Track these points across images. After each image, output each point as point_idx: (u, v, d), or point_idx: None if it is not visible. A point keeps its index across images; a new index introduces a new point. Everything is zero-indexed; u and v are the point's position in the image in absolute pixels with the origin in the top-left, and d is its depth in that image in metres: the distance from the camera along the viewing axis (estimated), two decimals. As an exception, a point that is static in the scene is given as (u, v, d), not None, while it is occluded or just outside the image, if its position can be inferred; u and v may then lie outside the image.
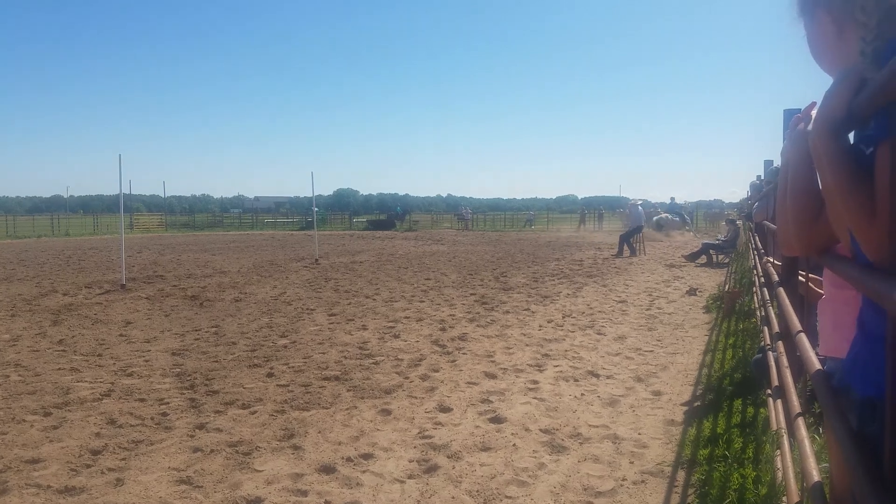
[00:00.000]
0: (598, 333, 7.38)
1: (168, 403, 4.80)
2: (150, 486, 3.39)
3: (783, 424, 2.78)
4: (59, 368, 5.81)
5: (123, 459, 3.74)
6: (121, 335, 7.33)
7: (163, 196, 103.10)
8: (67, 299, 10.18)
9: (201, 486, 3.40)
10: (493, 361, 6.03)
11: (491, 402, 4.81)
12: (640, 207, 19.91)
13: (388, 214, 48.95)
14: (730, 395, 4.60)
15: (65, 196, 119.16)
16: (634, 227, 19.06)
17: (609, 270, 14.41)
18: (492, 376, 5.52)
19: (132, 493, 3.31)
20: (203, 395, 5.00)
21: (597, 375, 5.57)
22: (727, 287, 10.08)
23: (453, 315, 8.53)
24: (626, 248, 18.57)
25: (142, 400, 4.88)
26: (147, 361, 6.10)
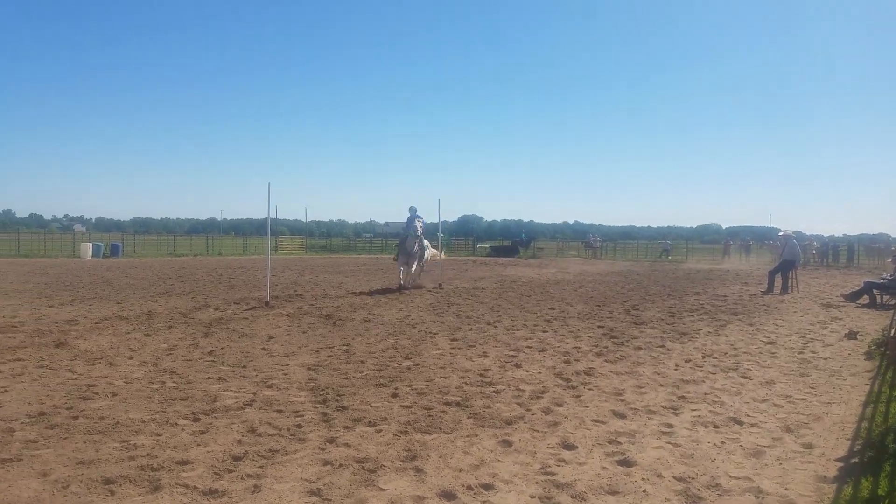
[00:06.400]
0: (743, 377, 6.81)
1: (303, 416, 5.05)
2: (284, 494, 3.57)
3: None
4: (209, 377, 6.33)
5: (261, 467, 3.97)
6: (263, 349, 7.87)
7: (304, 221, 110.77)
8: (218, 314, 11.12)
9: (330, 500, 3.52)
10: (622, 400, 5.76)
11: (619, 443, 4.58)
12: (794, 239, 18.24)
13: (513, 241, 48.85)
14: (893, 454, 4.03)
15: (219, 219, 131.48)
16: (787, 261, 17.48)
17: (757, 308, 13.33)
18: (621, 416, 5.26)
19: (267, 500, 3.50)
20: (334, 410, 5.21)
21: (740, 423, 5.13)
22: (893, 332, 8.94)
23: (579, 348, 8.28)
24: (776, 283, 17.10)
25: (279, 411, 5.18)
26: (286, 375, 6.48)
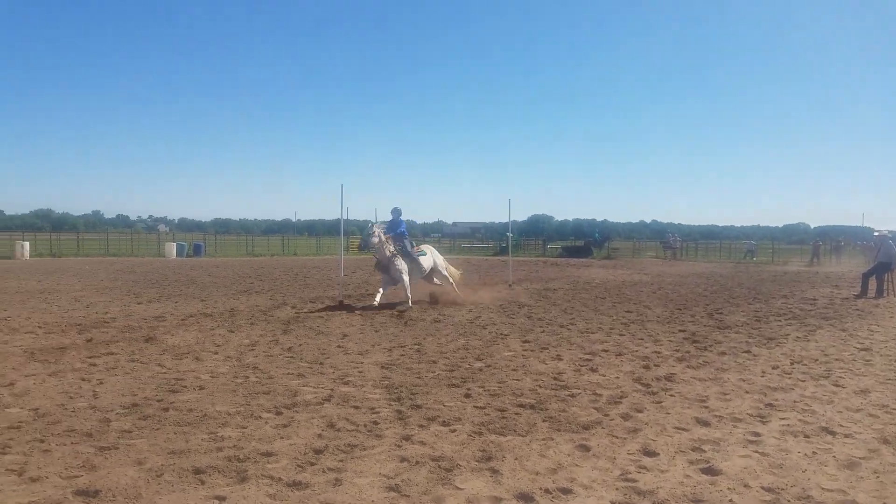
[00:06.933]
0: (835, 385, 6.41)
1: (378, 413, 5.13)
2: (364, 489, 3.63)
3: None
4: (289, 373, 6.53)
5: (341, 461, 4.06)
6: (339, 346, 8.06)
7: (374, 221, 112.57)
8: (295, 312, 11.49)
9: (408, 496, 3.55)
10: (705, 407, 5.53)
11: (703, 450, 4.40)
12: (890, 240, 17.03)
13: (585, 241, 47.83)
14: None
15: (293, 219, 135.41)
16: (882, 263, 16.33)
17: (849, 312, 12.53)
18: (704, 423, 5.06)
19: (348, 493, 3.57)
20: (408, 409, 5.26)
21: (832, 433, 4.83)
22: None
23: (658, 352, 8.02)
24: (871, 286, 16.03)
25: (356, 407, 5.28)
26: (360, 372, 6.60)
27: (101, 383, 5.98)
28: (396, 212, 13.49)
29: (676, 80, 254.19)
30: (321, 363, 7.03)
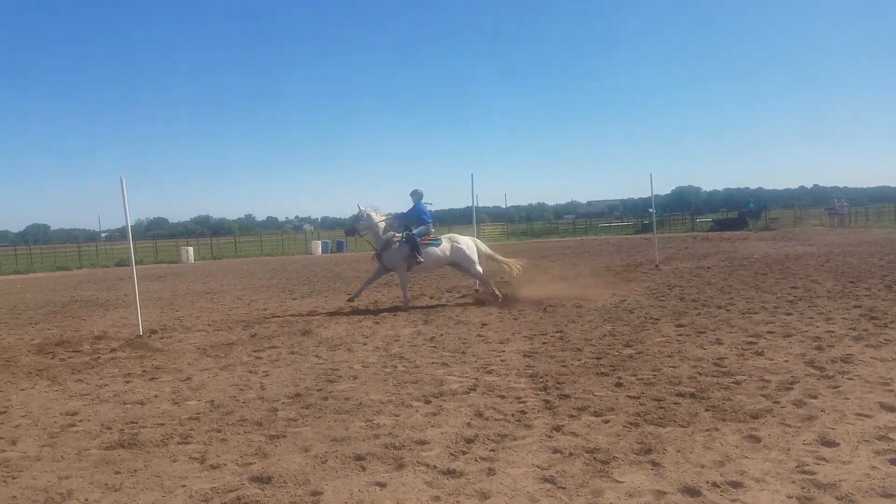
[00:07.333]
0: None
1: (525, 402, 5.07)
2: (518, 479, 3.58)
3: None
4: (433, 362, 6.66)
5: (492, 450, 4.05)
6: (479, 335, 8.10)
7: (503, 207, 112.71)
8: (434, 301, 11.76)
9: (564, 488, 3.45)
10: (890, 390, 4.88)
11: (891, 439, 3.89)
12: None
13: (739, 212, 44.20)
14: None
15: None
16: None
17: None
18: (890, 408, 4.46)
19: (503, 483, 3.54)
20: (556, 398, 5.14)
21: None
22: None
23: (832, 332, 7.22)
24: None
25: (502, 397, 5.26)
26: (503, 361, 6.58)
27: (267, 375, 6.47)
28: (417, 195, 11.41)
29: (843, 23, 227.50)
30: (463, 352, 7.10)
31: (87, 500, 3.60)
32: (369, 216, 11.26)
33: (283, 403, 5.37)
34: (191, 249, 38.23)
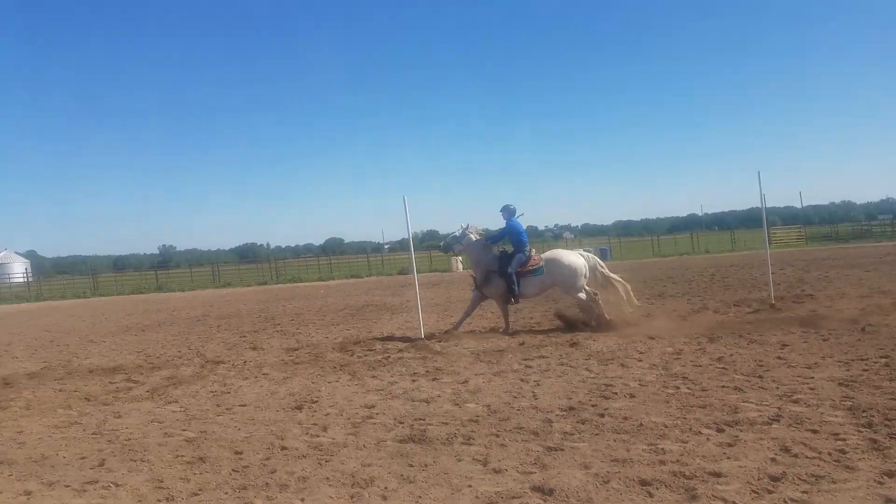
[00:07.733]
0: None
1: (845, 441, 4.23)
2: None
3: None
4: (723, 386, 5.96)
5: (805, 492, 3.44)
6: (778, 357, 7.06)
7: (798, 207, 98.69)
8: (718, 317, 10.65)
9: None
10: None
11: None
12: None
13: None
14: None
15: (699, 213, 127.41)
16: None
17: None
18: None
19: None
20: (885, 438, 4.21)
21: None
22: None
23: None
24: None
25: (814, 431, 4.46)
26: (812, 389, 5.61)
27: (538, 385, 6.48)
28: (508, 211, 10.37)
29: None
30: (760, 376, 6.23)
31: (386, 488, 3.93)
32: (468, 237, 10.68)
33: (556, 415, 5.29)
34: (459, 259, 41.22)
